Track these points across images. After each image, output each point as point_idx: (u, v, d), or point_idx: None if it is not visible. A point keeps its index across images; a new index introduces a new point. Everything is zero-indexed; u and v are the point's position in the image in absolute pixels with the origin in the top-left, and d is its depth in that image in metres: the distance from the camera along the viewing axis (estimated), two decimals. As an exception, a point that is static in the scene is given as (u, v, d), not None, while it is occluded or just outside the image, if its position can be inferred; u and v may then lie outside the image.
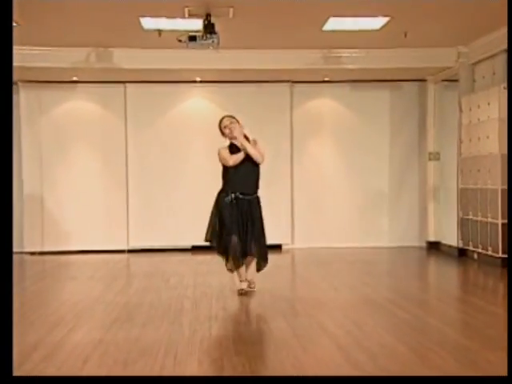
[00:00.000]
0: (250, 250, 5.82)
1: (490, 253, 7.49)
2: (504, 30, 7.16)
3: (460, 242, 8.38)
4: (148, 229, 9.34)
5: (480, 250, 7.76)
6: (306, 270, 7.78)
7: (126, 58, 8.12)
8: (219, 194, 5.88)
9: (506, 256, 7.16)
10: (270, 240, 9.39)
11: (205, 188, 9.42)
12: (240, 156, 5.81)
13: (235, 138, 5.83)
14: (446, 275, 7.41)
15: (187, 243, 9.39)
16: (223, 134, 5.94)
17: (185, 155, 9.43)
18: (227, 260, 5.88)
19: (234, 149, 5.86)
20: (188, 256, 9.01)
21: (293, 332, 4.43)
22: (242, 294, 5.84)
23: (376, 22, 6.95)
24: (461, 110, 8.30)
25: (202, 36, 6.07)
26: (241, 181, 5.78)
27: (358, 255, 8.77)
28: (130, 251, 9.35)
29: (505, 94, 7.20)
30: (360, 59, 8.36)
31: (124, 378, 3.48)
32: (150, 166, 9.39)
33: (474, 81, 8.32)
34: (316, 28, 7.15)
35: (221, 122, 5.96)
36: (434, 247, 9.26)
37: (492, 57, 7.76)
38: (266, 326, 4.64)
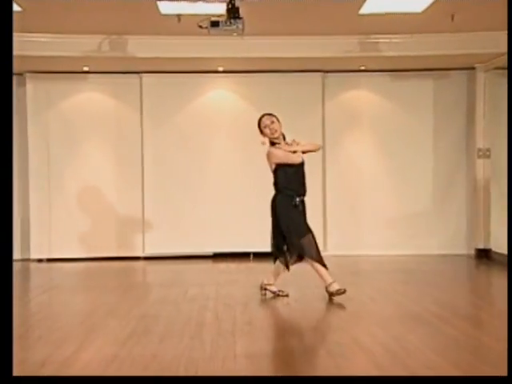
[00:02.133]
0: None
1: (547, 262, 7.36)
2: None
3: (513, 249, 8.26)
4: (165, 234, 9.38)
5: (536, 259, 7.64)
6: (340, 280, 7.71)
7: (141, 46, 8.16)
8: (279, 198, 6.20)
9: None
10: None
11: (229, 189, 9.55)
12: (300, 152, 6.24)
13: (277, 138, 6.18)
14: (497, 287, 7.31)
15: (209, 250, 9.42)
16: (262, 133, 6.22)
17: (207, 152, 9.46)
18: (318, 259, 6.11)
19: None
20: (209, 264, 9.03)
21: (325, 349, 4.41)
22: (342, 292, 6.05)
23: (419, 4, 6.88)
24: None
25: (226, 21, 6.07)
26: (301, 182, 6.21)
27: (399, 264, 8.70)
28: (146, 258, 9.41)
29: None
30: (400, 46, 8.29)
31: (124, 378, 3.55)
32: (168, 164, 9.43)
33: (529, 68, 8.20)
34: (351, 11, 7.10)
35: (260, 120, 6.26)
36: (483, 255, 9.15)
37: (550, 41, 7.63)
38: (295, 341, 4.62)
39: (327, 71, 9.43)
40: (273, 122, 6.17)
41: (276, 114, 9.50)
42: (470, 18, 7.42)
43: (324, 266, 6.16)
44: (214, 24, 6.06)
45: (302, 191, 6.22)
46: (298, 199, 6.16)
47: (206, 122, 9.45)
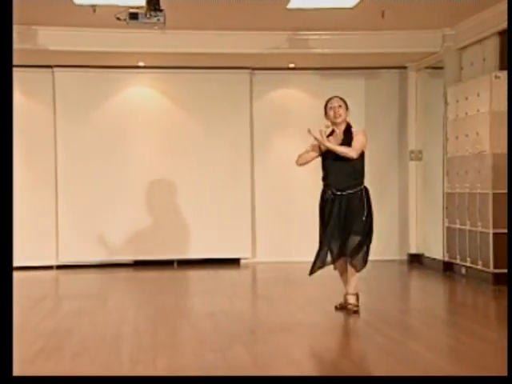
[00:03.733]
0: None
1: (480, 267, 7.57)
2: (495, 11, 7.27)
3: (446, 254, 8.46)
4: (81, 240, 9.15)
5: (469, 264, 7.84)
6: (269, 289, 7.74)
7: (53, 38, 7.97)
8: (367, 190, 6.18)
9: (498, 271, 7.24)
10: (227, 253, 9.56)
11: (151, 192, 9.43)
12: (310, 156, 6.18)
13: (339, 124, 5.97)
14: (429, 293, 7.45)
15: (129, 258, 9.27)
16: (326, 115, 6.06)
17: (126, 153, 9.29)
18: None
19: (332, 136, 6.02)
20: (130, 273, 8.88)
21: (252, 362, 4.38)
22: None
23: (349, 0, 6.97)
24: (446, 103, 8.39)
25: (146, 13, 5.99)
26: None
27: (330, 271, 8.74)
28: (60, 267, 9.15)
29: (497, 84, 7.30)
30: (331, 43, 8.39)
31: (124, 377, 3.66)
32: (84, 166, 9.22)
33: (461, 68, 8.43)
34: (279, 5, 7.12)
35: (329, 101, 6.08)
36: (416, 260, 9.33)
37: (482, 40, 7.86)
38: (220, 355, 4.57)
39: (255, 68, 9.46)
40: (340, 107, 5.97)
41: (201, 113, 9.52)
42: (401, 15, 7.56)
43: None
44: (133, 16, 5.97)
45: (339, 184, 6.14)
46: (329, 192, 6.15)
47: (126, 121, 9.29)
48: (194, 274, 8.73)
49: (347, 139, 5.99)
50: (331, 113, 6.01)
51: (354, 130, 6.03)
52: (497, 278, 7.25)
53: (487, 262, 7.40)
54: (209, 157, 9.39)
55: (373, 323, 5.54)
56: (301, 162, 6.18)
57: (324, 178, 6.15)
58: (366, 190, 6.11)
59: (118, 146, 9.29)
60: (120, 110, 9.32)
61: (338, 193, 6.03)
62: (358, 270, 5.93)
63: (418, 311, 5.97)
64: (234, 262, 9.38)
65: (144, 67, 9.22)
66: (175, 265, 9.27)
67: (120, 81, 9.28)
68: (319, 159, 6.19)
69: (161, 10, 6.02)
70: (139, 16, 5.96)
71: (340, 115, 5.99)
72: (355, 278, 5.95)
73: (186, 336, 5.23)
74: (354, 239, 5.94)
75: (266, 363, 4.36)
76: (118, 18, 6.13)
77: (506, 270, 7.18)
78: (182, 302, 6.50)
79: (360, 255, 5.95)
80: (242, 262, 9.49)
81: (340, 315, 5.87)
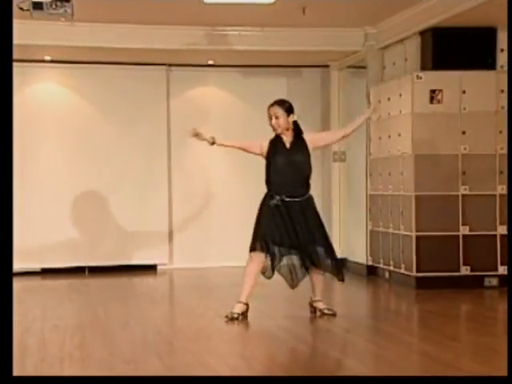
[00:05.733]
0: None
1: (402, 271, 7.75)
2: (417, 9, 7.49)
3: (369, 258, 8.63)
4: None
5: (392, 268, 8.02)
6: (186, 296, 7.74)
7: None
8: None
9: (421, 275, 7.44)
10: (142, 259, 9.46)
11: (59, 196, 9.24)
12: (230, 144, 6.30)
13: (280, 133, 6.03)
14: (352, 298, 7.59)
15: (36, 266, 9.08)
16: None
17: (31, 155, 9.08)
18: None
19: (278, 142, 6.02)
20: (36, 281, 8.72)
21: (168, 373, 4.37)
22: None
23: (270, -6, 7.04)
24: (369, 103, 8.57)
25: (51, 3, 5.88)
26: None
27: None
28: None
29: (418, 85, 7.51)
30: (251, 39, 8.45)
31: (125, 377, 3.81)
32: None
33: (383, 68, 8.63)
34: (196, -1, 7.14)
35: (268, 108, 6.10)
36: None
37: (404, 40, 8.06)
38: (133, 366, 4.54)
39: (172, 65, 9.43)
40: (277, 117, 5.98)
41: (113, 112, 9.38)
42: (323, 12, 7.69)
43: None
44: (37, 6, 5.83)
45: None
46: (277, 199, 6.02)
47: (31, 120, 9.05)
48: (107, 282, 8.62)
49: (300, 147, 6.02)
50: (270, 122, 6.06)
51: (307, 137, 6.08)
52: (419, 282, 7.45)
53: (410, 266, 7.58)
54: (122, 159, 9.28)
55: (291, 329, 5.61)
56: (219, 143, 6.22)
57: (270, 182, 6.01)
58: (312, 196, 6.15)
59: (22, 146, 9.02)
60: (24, 107, 9.04)
61: (288, 199, 5.95)
62: (340, 280, 6.13)
63: (338, 317, 6.07)
64: (150, 269, 9.31)
65: (51, 61, 9.05)
66: (86, 272, 9.14)
67: (24, 76, 8.94)
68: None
69: (68, 1, 5.92)
70: (44, 6, 5.82)
71: (279, 126, 6.00)
72: (322, 284, 6.10)
73: (95, 347, 5.17)
74: (320, 250, 5.98)
75: (181, 373, 4.36)
76: (21, 8, 5.99)
77: (428, 274, 7.44)
78: (93, 311, 6.41)
79: (333, 265, 6.06)
80: (159, 268, 9.44)
81: (259, 321, 5.92)
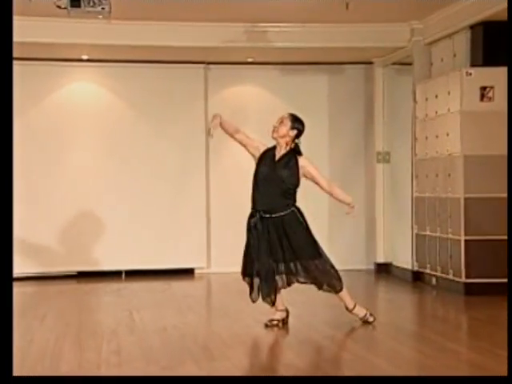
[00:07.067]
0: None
1: (450, 277, 7.67)
2: (466, 3, 7.42)
3: (415, 263, 8.56)
4: (15, 252, 9.01)
5: (439, 274, 7.95)
6: (224, 301, 7.75)
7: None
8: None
9: (470, 281, 7.36)
10: (180, 263, 9.50)
11: (95, 199, 9.31)
12: (229, 130, 6.43)
13: (274, 138, 6.04)
14: (397, 305, 7.53)
15: (72, 269, 9.19)
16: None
17: (66, 156, 9.20)
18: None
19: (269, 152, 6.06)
20: (72, 285, 8.80)
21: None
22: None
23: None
24: (415, 101, 8.51)
25: (89, 1, 5.96)
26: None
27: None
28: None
29: (468, 82, 7.42)
30: (291, 36, 8.44)
31: (125, 378, 3.95)
32: (18, 170, 9.07)
33: (430, 64, 8.55)
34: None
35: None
36: (383, 270, 9.43)
37: (452, 35, 7.99)
38: (171, 373, 4.57)
39: (210, 63, 9.47)
40: (281, 122, 6.01)
41: (150, 112, 9.43)
42: (367, 8, 7.65)
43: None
44: (75, 4, 5.92)
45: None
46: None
47: (66, 120, 9.18)
48: (144, 286, 8.68)
49: (288, 163, 5.96)
50: (273, 125, 6.08)
51: (301, 162, 5.98)
52: (468, 289, 7.36)
53: (458, 272, 7.51)
54: (158, 159, 9.34)
55: (336, 338, 5.59)
56: (222, 125, 6.32)
57: (252, 197, 6.11)
58: (299, 209, 6.04)
59: (56, 147, 9.17)
60: (61, 107, 9.20)
61: (267, 215, 5.96)
62: (339, 291, 5.98)
63: (383, 324, 6.03)
64: (187, 273, 9.35)
65: (87, 60, 9.16)
66: (123, 276, 9.21)
67: (61, 75, 9.17)
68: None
69: (106, -1, 6.01)
70: (82, 4, 5.91)
71: (277, 131, 6.01)
72: (345, 294, 6.03)
73: (132, 352, 5.21)
74: (311, 264, 5.93)
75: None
76: (59, 6, 6.08)
77: (477, 280, 7.35)
78: (129, 316, 6.45)
79: (329, 277, 5.95)
80: (197, 272, 9.47)
81: (299, 328, 5.90)
